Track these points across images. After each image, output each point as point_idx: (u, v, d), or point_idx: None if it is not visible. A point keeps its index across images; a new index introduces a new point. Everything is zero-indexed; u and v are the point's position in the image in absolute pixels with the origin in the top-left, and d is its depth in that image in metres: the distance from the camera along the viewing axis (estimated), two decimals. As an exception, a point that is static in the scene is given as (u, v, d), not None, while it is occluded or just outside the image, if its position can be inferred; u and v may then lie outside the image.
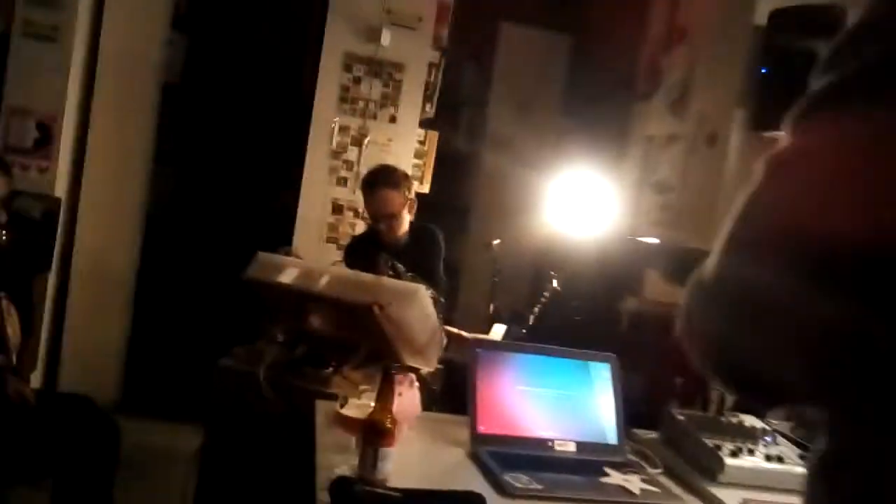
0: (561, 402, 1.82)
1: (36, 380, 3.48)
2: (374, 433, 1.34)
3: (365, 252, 2.91)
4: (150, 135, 3.85)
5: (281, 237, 3.75)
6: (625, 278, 2.17)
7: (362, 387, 1.51)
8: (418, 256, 2.87)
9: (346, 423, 1.44)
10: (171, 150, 4.25)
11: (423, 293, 2.10)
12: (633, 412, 1.92)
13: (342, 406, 1.46)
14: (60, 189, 3.42)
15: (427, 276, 2.94)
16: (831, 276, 0.49)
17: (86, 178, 3.58)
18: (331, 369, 2.07)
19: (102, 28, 3.56)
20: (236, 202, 4.35)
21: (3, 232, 2.80)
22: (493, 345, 1.97)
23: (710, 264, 0.58)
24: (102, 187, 3.62)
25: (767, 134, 3.01)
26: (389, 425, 1.35)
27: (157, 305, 3.97)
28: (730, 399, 1.97)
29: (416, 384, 1.77)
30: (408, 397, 1.73)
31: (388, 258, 2.18)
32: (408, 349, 2.15)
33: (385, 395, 1.37)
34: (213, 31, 4.40)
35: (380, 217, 2.81)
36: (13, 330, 2.93)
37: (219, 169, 4.42)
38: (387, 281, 2.10)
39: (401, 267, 2.18)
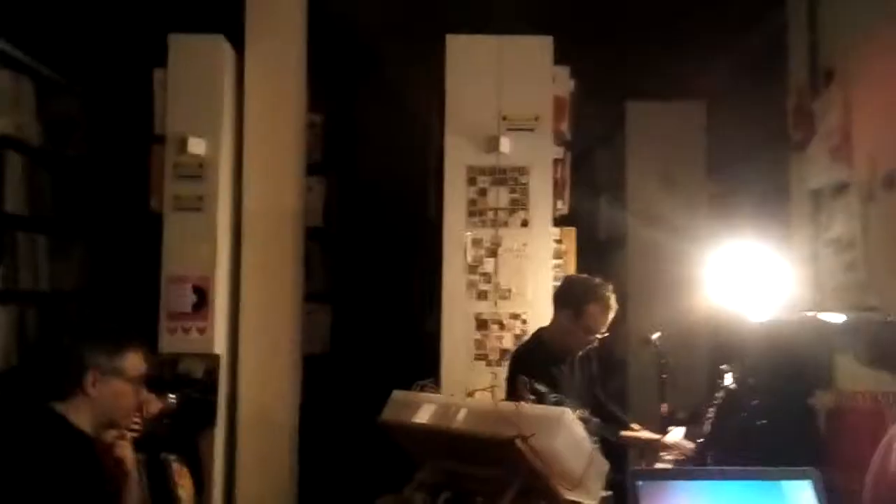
0: (755, 539, 1.48)
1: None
2: None
3: (554, 366, 2.80)
4: (298, 279, 3.97)
5: (431, 363, 3.66)
6: (812, 367, 1.80)
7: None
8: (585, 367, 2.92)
9: None
10: (321, 290, 4.39)
11: (569, 416, 1.88)
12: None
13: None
14: (219, 346, 3.58)
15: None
16: None
17: (242, 332, 3.72)
18: (479, 516, 1.86)
19: (244, 190, 3.80)
20: (387, 333, 4.37)
21: (172, 396, 2.91)
22: (657, 474, 1.68)
23: None
24: (259, 338, 3.74)
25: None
26: None
27: (323, 447, 3.97)
28: None
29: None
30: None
31: (528, 380, 1.98)
32: (563, 481, 1.90)
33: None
34: (346, 171, 4.61)
35: (597, 337, 2.86)
36: (186, 492, 3.01)
37: (367, 304, 4.50)
38: (527, 408, 1.90)
39: (542, 388, 1.98)
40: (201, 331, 3.51)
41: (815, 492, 1.51)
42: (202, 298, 3.52)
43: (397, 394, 2.22)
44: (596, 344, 2.87)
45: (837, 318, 2.01)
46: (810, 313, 2.15)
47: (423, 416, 2.06)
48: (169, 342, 3.51)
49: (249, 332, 3.74)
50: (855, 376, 1.74)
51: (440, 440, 2.04)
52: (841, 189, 3.25)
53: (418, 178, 4.49)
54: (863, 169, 3.05)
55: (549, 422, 1.86)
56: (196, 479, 3.09)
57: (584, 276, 3.18)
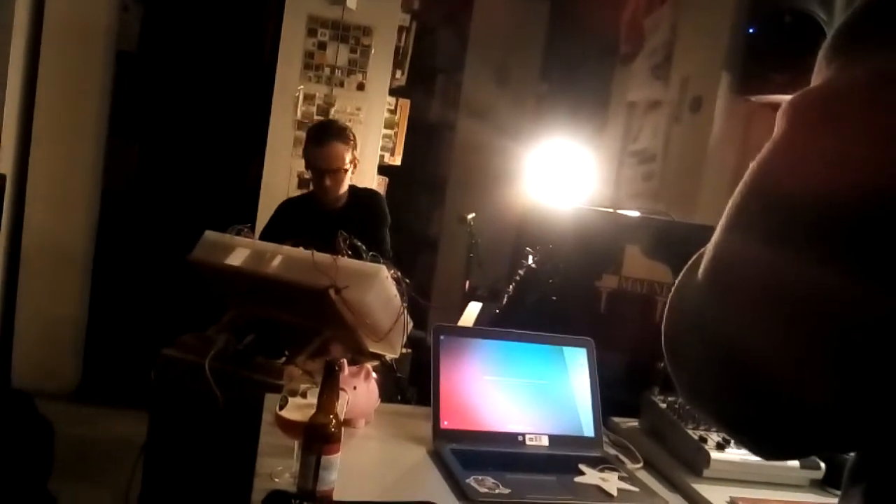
0: (533, 392, 1.67)
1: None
2: (315, 439, 1.18)
3: (300, 215, 2.76)
4: (104, 107, 3.63)
5: (245, 213, 3.56)
6: (604, 254, 2.01)
7: (304, 385, 1.34)
8: (360, 221, 2.69)
9: (286, 426, 1.28)
10: (130, 123, 4.04)
11: (385, 274, 1.94)
12: (612, 398, 1.77)
13: (282, 406, 1.30)
14: (5, 166, 3.20)
15: (372, 245, 2.81)
16: (884, 252, 0.35)
17: (34, 153, 3.36)
18: (284, 359, 1.91)
19: (47, -8, 3.32)
20: (200, 177, 4.14)
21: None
22: (458, 330, 1.82)
23: (709, 251, 0.42)
24: (53, 163, 3.41)
25: (755, 98, 2.85)
26: (333, 429, 1.19)
27: (117, 287, 3.78)
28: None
29: (374, 375, 1.61)
30: (364, 391, 1.57)
31: (347, 235, 2.00)
32: (369, 335, 2.00)
33: (328, 394, 1.20)
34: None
35: (326, 172, 2.67)
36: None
37: (181, 142, 4.20)
38: (344, 261, 1.93)
39: (361, 245, 2.01)
40: (-17, 145, 3.11)
41: (588, 357, 1.73)
42: (-13, 108, 3.10)
43: (210, 234, 2.15)
44: (340, 181, 2.68)
45: (631, 214, 2.24)
46: (609, 209, 2.36)
47: (237, 258, 2.02)
48: (-58, 153, 3.08)
49: (43, 157, 3.38)
50: (638, 265, 1.96)
51: (252, 284, 2.03)
52: (654, 106, 3.53)
53: (255, 19, 4.17)
54: (675, 90, 3.33)
55: (365, 276, 1.92)
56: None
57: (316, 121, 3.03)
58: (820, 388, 0.38)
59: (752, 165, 0.40)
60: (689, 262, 0.45)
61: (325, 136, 2.68)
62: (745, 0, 2.84)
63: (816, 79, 0.40)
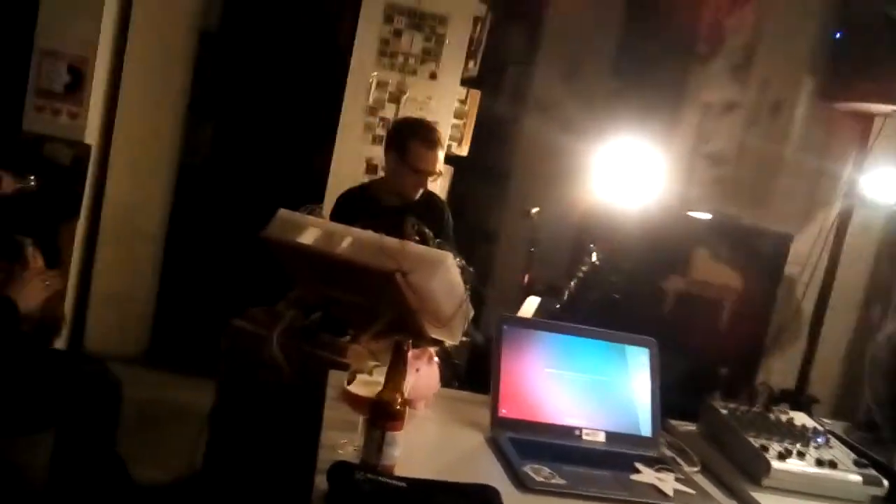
0: (592, 388, 1.67)
1: (62, 330, 3.47)
2: (381, 415, 1.21)
3: (365, 208, 2.77)
4: (185, 84, 3.75)
5: (314, 195, 3.64)
6: (672, 255, 1.99)
7: (371, 363, 1.38)
8: (426, 222, 2.71)
9: (353, 400, 1.32)
10: (208, 101, 4.17)
11: (451, 261, 1.97)
12: (672, 401, 1.76)
13: (350, 381, 1.34)
14: (91, 136, 3.35)
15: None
16: None
17: (118, 127, 3.51)
18: (348, 338, 1.95)
19: (138, -30, 3.45)
20: (273, 157, 4.25)
21: (32, 178, 2.73)
22: (522, 321, 1.83)
23: None
24: (134, 136, 3.55)
25: (838, 105, 2.76)
26: (399, 407, 1.22)
27: (189, 259, 3.92)
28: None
29: (436, 359, 1.64)
30: (426, 374, 1.61)
31: (416, 222, 2.04)
32: (431, 320, 2.02)
33: (395, 372, 1.24)
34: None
35: (428, 174, 2.71)
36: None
37: (256, 122, 4.32)
38: (412, 247, 1.96)
39: (428, 232, 2.05)
40: (73, 115, 3.25)
41: (650, 358, 1.72)
42: (77, 80, 3.24)
43: (283, 212, 2.22)
44: (427, 184, 2.74)
45: (701, 217, 2.21)
46: (678, 211, 2.34)
47: (308, 237, 2.08)
48: (35, 120, 3.24)
49: (126, 130, 3.53)
50: (706, 269, 1.94)
51: (321, 263, 2.08)
52: (730, 108, 3.46)
53: (333, 4, 4.24)
54: (754, 92, 3.25)
55: (431, 262, 1.94)
56: (52, 268, 2.98)
57: (410, 117, 3.09)
58: None
59: None
60: None
61: (435, 140, 2.71)
62: (834, 4, 2.75)
63: None
